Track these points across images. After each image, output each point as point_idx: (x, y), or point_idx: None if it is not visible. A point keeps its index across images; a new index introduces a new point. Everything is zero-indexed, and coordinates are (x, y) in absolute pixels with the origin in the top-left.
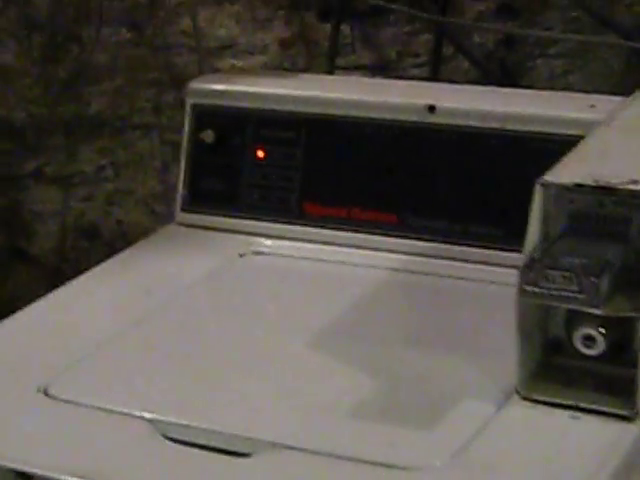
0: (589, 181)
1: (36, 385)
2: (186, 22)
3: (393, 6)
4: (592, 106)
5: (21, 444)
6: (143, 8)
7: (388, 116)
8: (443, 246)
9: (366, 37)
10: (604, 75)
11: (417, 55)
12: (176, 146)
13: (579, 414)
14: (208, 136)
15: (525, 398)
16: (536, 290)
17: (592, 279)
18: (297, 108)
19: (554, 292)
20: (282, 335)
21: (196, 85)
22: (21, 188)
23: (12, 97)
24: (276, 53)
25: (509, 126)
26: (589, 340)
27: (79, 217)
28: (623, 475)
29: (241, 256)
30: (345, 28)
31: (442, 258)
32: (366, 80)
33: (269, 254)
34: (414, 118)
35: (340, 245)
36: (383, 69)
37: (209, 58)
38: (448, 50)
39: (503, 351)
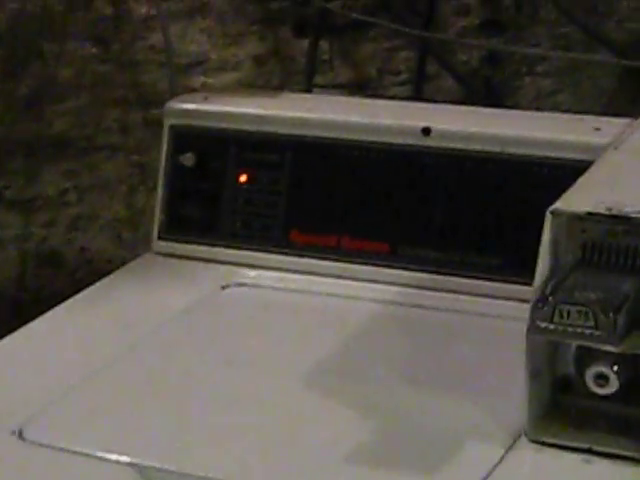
0: (602, 209)
1: (10, 428)
2: (155, 37)
3: (374, 20)
4: (597, 129)
5: None
6: (109, 21)
7: (380, 139)
8: (438, 277)
9: (345, 53)
10: (594, 95)
11: (398, 73)
12: (143, 168)
13: (592, 457)
14: (188, 159)
15: (534, 441)
16: (550, 326)
17: (610, 315)
18: (283, 130)
19: (569, 328)
20: (269, 375)
21: (175, 105)
22: None
23: None
24: (250, 70)
25: (510, 150)
26: (602, 378)
27: (40, 243)
28: None
29: (223, 288)
30: (323, 44)
31: (437, 290)
32: (355, 100)
33: (253, 286)
34: (408, 141)
35: (329, 276)
36: (363, 87)
37: (179, 75)
38: (431, 68)
39: (507, 389)
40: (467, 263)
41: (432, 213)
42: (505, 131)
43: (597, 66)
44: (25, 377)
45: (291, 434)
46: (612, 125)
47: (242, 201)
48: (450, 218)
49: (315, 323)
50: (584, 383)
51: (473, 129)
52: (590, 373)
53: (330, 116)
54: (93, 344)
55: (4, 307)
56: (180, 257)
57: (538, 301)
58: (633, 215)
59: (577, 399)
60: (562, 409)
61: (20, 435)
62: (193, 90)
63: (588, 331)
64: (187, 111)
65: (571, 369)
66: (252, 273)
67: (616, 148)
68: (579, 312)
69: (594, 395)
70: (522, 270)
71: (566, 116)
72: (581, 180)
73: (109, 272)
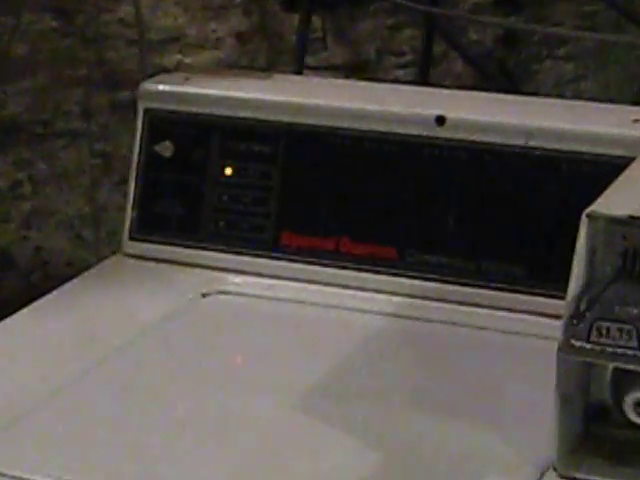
0: None
1: None
2: (124, 9)
3: None
4: (636, 121)
5: None
6: None
7: (387, 128)
8: (452, 287)
9: (340, 31)
10: (622, 81)
11: (401, 54)
12: (108, 158)
13: None
14: (165, 149)
15: (563, 476)
16: (586, 346)
17: None
18: (274, 116)
19: (608, 348)
20: (256, 395)
21: (151, 86)
22: None
23: None
24: (232, 48)
25: (534, 143)
26: None
27: None
28: None
29: (204, 296)
30: (315, 20)
31: (450, 302)
32: (353, 83)
33: (238, 294)
34: (419, 131)
35: (325, 284)
36: (360, 70)
37: (151, 53)
38: (438, 48)
39: (532, 417)
40: (485, 271)
41: (445, 214)
42: (530, 121)
43: (626, 49)
44: None
45: (279, 465)
46: None
47: (226, 197)
48: (466, 220)
49: (308, 338)
50: (622, 411)
51: (493, 119)
52: (629, 400)
53: (328, 102)
54: (52, 361)
55: None
56: (154, 260)
57: (572, 317)
58: None
59: (613, 429)
60: (596, 440)
61: None
62: (166, 70)
63: (630, 352)
64: (165, 93)
65: (607, 395)
66: (237, 279)
67: None
68: (619, 330)
69: (633, 425)
70: (549, 281)
71: (599, 105)
72: (621, 179)
73: (67, 275)
